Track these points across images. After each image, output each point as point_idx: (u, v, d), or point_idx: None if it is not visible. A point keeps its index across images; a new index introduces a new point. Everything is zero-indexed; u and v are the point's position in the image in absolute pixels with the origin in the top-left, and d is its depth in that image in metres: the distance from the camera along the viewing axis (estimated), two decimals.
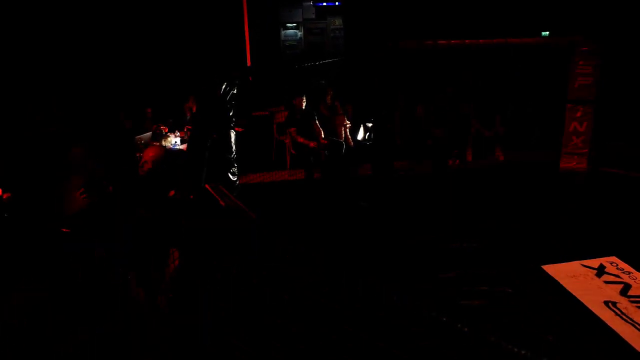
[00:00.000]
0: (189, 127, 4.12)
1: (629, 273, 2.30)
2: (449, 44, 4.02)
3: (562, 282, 2.24)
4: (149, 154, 2.83)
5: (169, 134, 4.11)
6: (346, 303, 2.14)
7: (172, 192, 2.89)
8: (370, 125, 4.66)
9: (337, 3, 6.93)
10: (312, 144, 4.03)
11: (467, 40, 3.98)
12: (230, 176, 3.60)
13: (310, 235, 2.93)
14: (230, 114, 3.59)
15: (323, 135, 4.10)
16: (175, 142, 4.10)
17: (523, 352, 1.70)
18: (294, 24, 6.90)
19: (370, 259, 2.57)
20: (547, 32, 4.66)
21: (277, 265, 2.45)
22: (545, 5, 4.87)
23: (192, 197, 2.93)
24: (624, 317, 1.97)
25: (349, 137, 4.55)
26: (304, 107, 4.15)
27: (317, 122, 4.15)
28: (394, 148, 4.32)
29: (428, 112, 4.64)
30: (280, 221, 3.09)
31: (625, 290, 2.16)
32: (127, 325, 2.05)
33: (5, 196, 2.69)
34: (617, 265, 2.37)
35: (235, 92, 3.60)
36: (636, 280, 2.23)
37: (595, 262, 2.40)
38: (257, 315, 2.08)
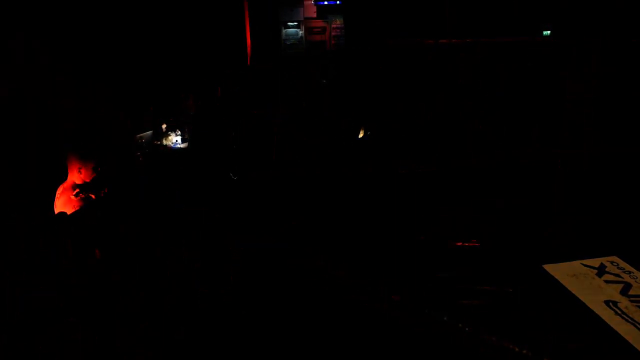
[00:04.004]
0: (190, 125, 4.12)
1: (630, 272, 2.29)
2: (450, 43, 4.02)
3: (562, 281, 2.24)
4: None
5: (169, 132, 4.11)
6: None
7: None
8: (370, 124, 4.66)
9: (338, 2, 6.93)
10: None
11: (468, 39, 3.98)
12: (231, 175, 3.60)
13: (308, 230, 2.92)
14: (231, 112, 3.59)
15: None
16: (176, 140, 4.11)
17: (523, 352, 1.69)
18: (295, 23, 6.91)
19: (369, 257, 2.57)
20: (549, 32, 4.66)
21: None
22: (546, 5, 4.87)
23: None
24: (624, 316, 1.96)
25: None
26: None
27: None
28: (396, 146, 4.31)
29: (428, 111, 4.64)
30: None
31: (625, 289, 2.16)
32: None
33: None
34: (618, 264, 2.37)
35: (236, 90, 3.60)
36: (637, 280, 2.23)
37: (596, 262, 2.40)
38: None
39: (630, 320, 1.94)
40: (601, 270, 2.33)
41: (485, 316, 2.00)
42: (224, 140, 3.66)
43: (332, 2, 6.90)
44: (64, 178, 3.04)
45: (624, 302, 2.06)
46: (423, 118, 4.64)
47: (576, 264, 2.40)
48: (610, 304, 2.05)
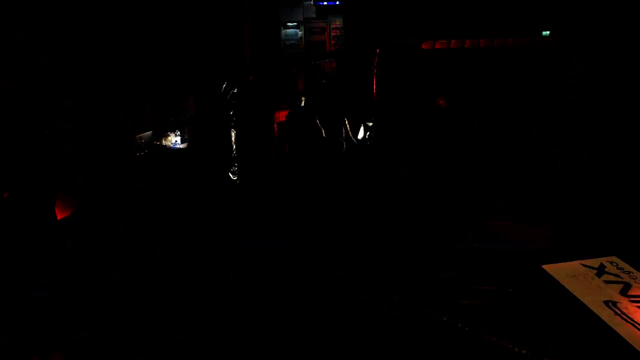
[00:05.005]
0: (190, 125, 4.12)
1: (629, 273, 2.30)
2: (447, 44, 4.02)
3: (562, 281, 2.24)
4: None
5: (169, 132, 4.12)
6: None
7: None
8: (370, 124, 4.66)
9: (337, 2, 6.92)
10: None
11: (467, 40, 3.98)
12: (231, 175, 3.61)
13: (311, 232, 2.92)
14: (231, 112, 3.59)
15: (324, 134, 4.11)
16: (176, 141, 4.11)
17: (523, 352, 1.70)
18: (295, 23, 6.90)
19: (369, 257, 2.57)
20: (548, 32, 4.66)
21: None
22: (546, 5, 4.87)
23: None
24: (624, 316, 1.97)
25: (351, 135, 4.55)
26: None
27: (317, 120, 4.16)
28: (396, 146, 4.31)
29: (428, 111, 4.64)
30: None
31: (625, 289, 2.16)
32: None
33: (5, 195, 2.69)
34: (618, 264, 2.37)
35: (235, 91, 3.61)
36: (636, 280, 2.23)
37: (595, 262, 2.40)
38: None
39: (629, 320, 1.94)
40: (601, 271, 2.33)
41: (485, 316, 2.00)
42: (224, 140, 3.67)
43: (331, 3, 6.89)
44: (64, 178, 3.04)
45: (623, 303, 2.06)
46: (423, 118, 4.64)
47: (576, 264, 2.40)
48: (610, 304, 2.05)
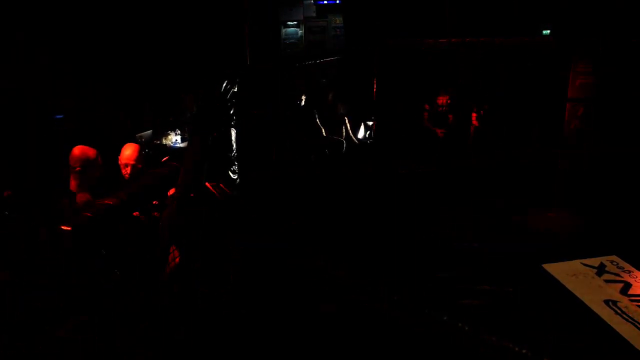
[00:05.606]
0: (189, 125, 4.12)
1: (630, 272, 2.30)
2: (448, 43, 4.02)
3: (562, 281, 2.24)
4: (129, 156, 2.80)
5: (169, 131, 4.12)
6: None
7: (172, 190, 2.89)
8: (370, 123, 4.66)
9: (337, 1, 6.92)
10: None
11: (467, 39, 3.98)
12: (231, 174, 3.60)
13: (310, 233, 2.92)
14: (231, 112, 3.58)
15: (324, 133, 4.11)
16: (176, 140, 4.11)
17: (523, 351, 1.69)
18: (295, 22, 6.89)
19: (369, 257, 2.57)
20: (548, 31, 4.66)
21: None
22: (546, 5, 4.87)
23: (192, 195, 2.94)
24: (624, 316, 1.97)
25: (351, 135, 4.55)
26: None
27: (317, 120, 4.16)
28: (396, 146, 4.31)
29: (430, 111, 4.63)
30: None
31: (625, 289, 2.16)
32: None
33: (5, 194, 2.69)
34: (618, 264, 2.37)
35: (235, 90, 3.60)
36: (637, 279, 2.23)
37: (595, 261, 2.40)
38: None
39: (630, 319, 1.94)
40: (601, 270, 2.33)
41: (485, 316, 2.00)
42: (224, 140, 3.66)
43: (331, 2, 6.89)
44: (64, 179, 3.04)
45: (623, 302, 2.06)
46: (423, 118, 4.64)
47: (576, 263, 2.40)
48: (610, 303, 2.05)
